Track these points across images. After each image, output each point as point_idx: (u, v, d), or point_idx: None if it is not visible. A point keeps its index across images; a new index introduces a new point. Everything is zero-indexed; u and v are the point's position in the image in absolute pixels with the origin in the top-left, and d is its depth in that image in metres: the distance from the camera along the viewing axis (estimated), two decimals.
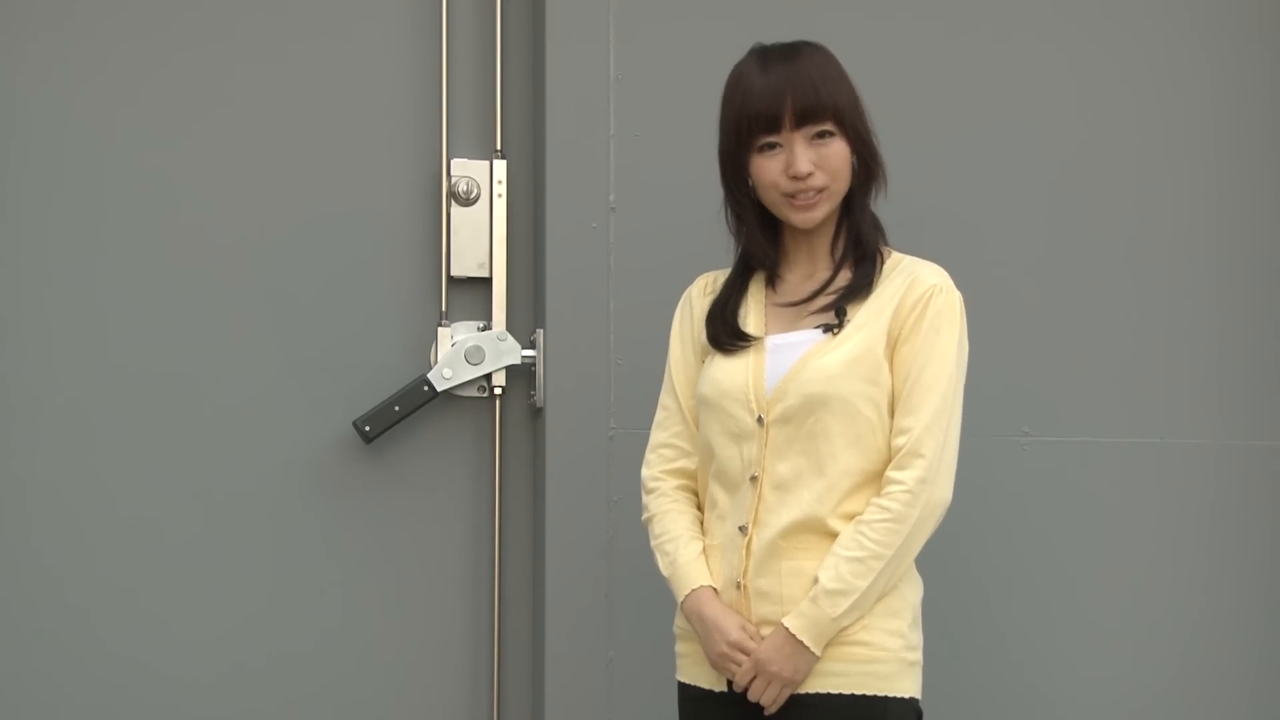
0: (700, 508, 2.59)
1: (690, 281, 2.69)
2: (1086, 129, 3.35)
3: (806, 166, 2.46)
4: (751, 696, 2.41)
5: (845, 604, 2.36)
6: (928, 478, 2.40)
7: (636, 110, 3.09)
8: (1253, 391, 3.42)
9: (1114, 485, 3.34)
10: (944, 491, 2.42)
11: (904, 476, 2.40)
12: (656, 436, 2.57)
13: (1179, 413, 3.38)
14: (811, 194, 2.50)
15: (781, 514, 2.47)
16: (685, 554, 2.50)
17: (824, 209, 2.50)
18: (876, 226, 2.57)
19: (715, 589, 2.49)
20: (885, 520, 2.38)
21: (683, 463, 2.56)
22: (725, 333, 2.55)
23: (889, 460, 2.48)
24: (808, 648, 2.35)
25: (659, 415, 2.58)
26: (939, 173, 3.15)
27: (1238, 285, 3.45)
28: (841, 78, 2.54)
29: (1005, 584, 3.24)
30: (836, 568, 2.39)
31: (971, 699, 3.10)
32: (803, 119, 2.46)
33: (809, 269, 2.57)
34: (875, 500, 2.45)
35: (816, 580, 2.39)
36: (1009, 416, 3.24)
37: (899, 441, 2.44)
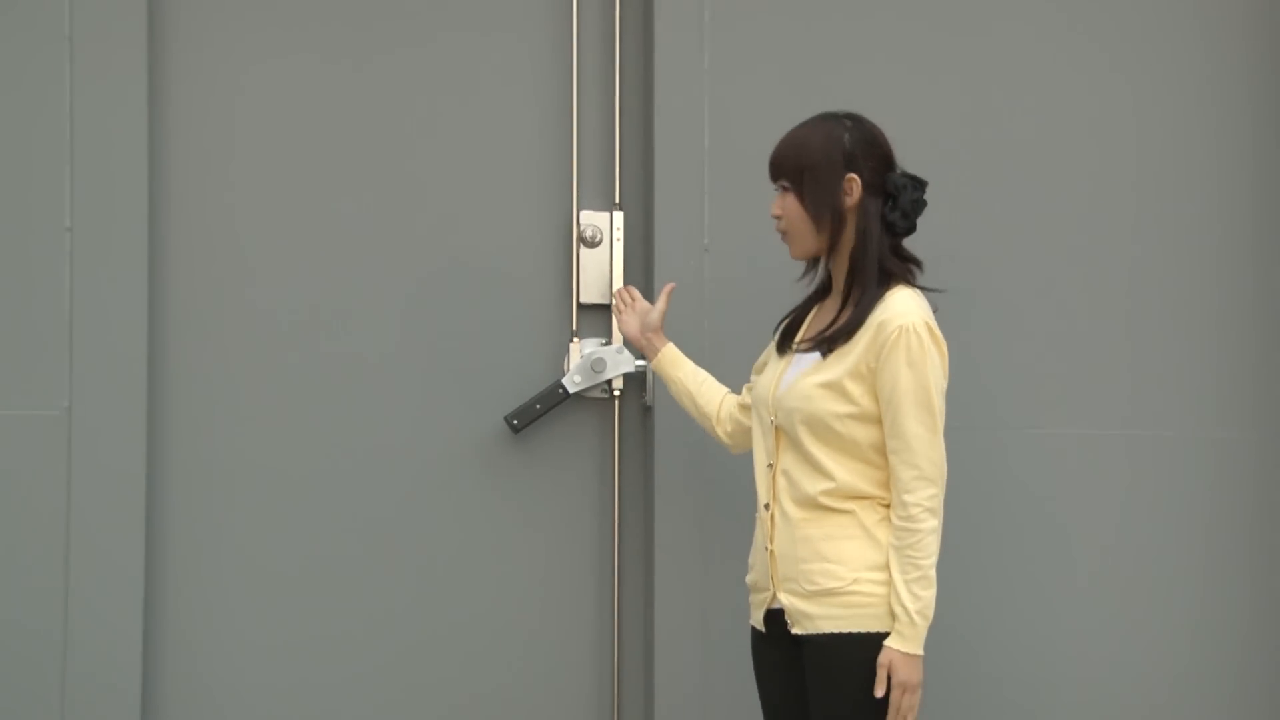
0: (740, 410, 3.11)
1: (768, 309, 3.10)
2: (1070, 163, 3.64)
3: (773, 210, 2.89)
4: (898, 713, 2.77)
5: (930, 610, 2.74)
6: (935, 491, 2.76)
7: (726, 170, 3.47)
8: (1215, 388, 3.70)
9: (1087, 474, 3.64)
10: (943, 489, 2.76)
11: (918, 499, 2.75)
12: (754, 375, 3.08)
13: (1146, 407, 3.68)
14: (785, 236, 2.90)
15: (791, 493, 2.87)
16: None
17: (793, 249, 2.90)
18: (890, 273, 2.83)
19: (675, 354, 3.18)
20: (920, 537, 2.75)
21: (749, 392, 3.06)
22: (780, 339, 2.98)
23: (873, 458, 2.82)
24: (918, 654, 2.74)
25: (760, 360, 3.09)
26: (948, 207, 3.42)
27: (1202, 288, 3.71)
28: (820, 145, 2.84)
29: (980, 564, 3.55)
30: (906, 586, 2.75)
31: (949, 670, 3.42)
32: (772, 174, 2.89)
33: (837, 300, 2.93)
34: (898, 522, 2.77)
35: (902, 604, 2.73)
36: (997, 410, 3.54)
37: (893, 460, 2.77)
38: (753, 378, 3.11)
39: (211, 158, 3.45)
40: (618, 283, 3.47)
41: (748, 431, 3.11)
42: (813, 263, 2.96)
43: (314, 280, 3.47)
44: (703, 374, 3.19)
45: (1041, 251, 3.66)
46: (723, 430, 3.16)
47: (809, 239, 2.90)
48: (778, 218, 2.92)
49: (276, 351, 3.46)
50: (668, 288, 3.22)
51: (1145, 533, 3.65)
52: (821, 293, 3.00)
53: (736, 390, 3.17)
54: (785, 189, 2.90)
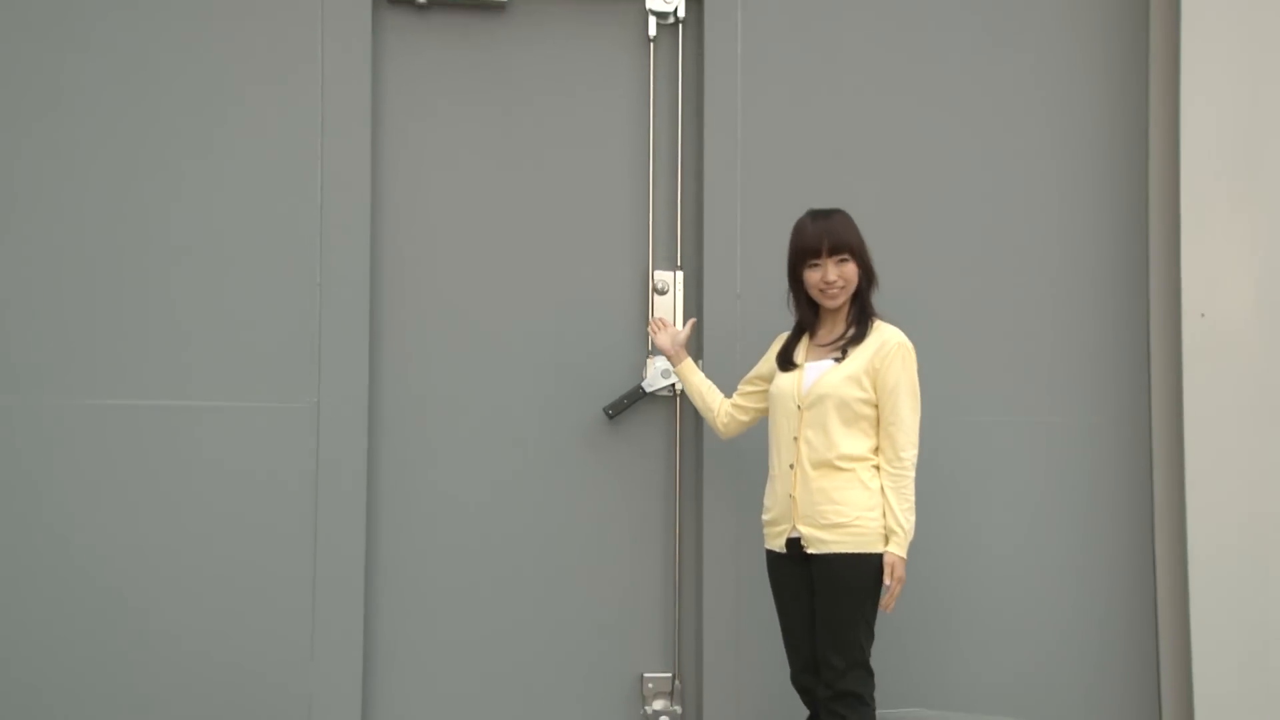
0: (734, 408, 4.11)
1: (775, 335, 4.12)
2: (976, 211, 4.65)
3: (833, 276, 3.89)
4: (893, 598, 3.76)
5: (913, 529, 3.81)
6: (916, 451, 3.85)
7: (751, 245, 4.47)
8: (1087, 384, 4.67)
9: (994, 451, 4.63)
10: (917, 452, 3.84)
11: (909, 455, 3.83)
12: (741, 385, 4.16)
13: (1035, 398, 4.66)
14: (834, 291, 3.90)
15: (810, 457, 3.86)
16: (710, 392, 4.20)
17: (841, 299, 3.92)
18: (872, 310, 3.94)
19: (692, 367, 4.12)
20: (907, 478, 3.83)
21: (739, 395, 4.11)
22: (785, 362, 4.01)
23: (873, 436, 3.79)
24: (905, 557, 3.77)
25: (748, 375, 4.14)
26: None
27: (1064, 303, 4.68)
28: (855, 230, 3.91)
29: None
30: (901, 512, 3.78)
31: None
32: (833, 251, 3.89)
33: (832, 329, 3.97)
34: (894, 472, 3.78)
35: (899, 524, 3.72)
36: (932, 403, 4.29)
37: (893, 430, 3.77)
38: (742, 387, 4.18)
39: (411, 237, 4.56)
40: (679, 320, 4.54)
41: (737, 423, 4.22)
42: (804, 306, 4.01)
43: (477, 313, 4.54)
44: (709, 382, 4.26)
45: (952, 276, 4.64)
46: (720, 422, 4.24)
47: (851, 291, 3.96)
48: (834, 280, 3.91)
49: (450, 366, 4.54)
50: (690, 322, 4.37)
51: (1036, 495, 4.71)
52: (801, 328, 4.04)
53: (729, 393, 4.28)
54: (846, 259, 3.91)
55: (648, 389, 4.54)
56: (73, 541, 4.37)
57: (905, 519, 3.85)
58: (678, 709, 4.66)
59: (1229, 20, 4.69)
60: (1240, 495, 4.61)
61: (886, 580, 3.83)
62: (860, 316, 4.00)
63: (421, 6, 4.60)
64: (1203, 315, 4.67)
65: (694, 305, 4.64)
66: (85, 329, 4.42)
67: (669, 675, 4.68)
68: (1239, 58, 4.69)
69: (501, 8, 4.61)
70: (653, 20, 4.69)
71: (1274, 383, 4.67)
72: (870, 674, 3.95)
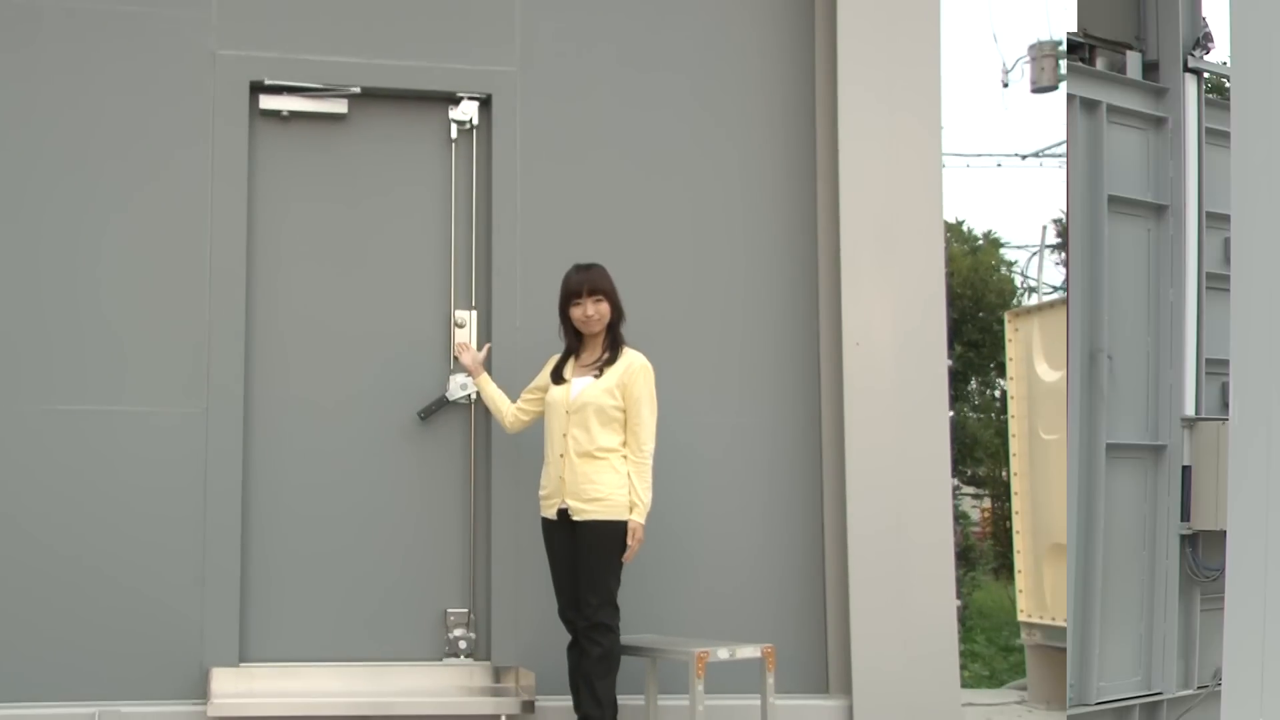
0: (519, 411, 5.42)
1: (544, 357, 5.62)
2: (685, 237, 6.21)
3: (591, 312, 5.28)
4: (632, 553, 5.02)
5: (651, 501, 5.12)
6: (653, 445, 5.20)
7: (528, 290, 5.93)
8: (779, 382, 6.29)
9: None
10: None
11: (649, 447, 5.19)
12: (523, 394, 5.49)
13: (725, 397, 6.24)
14: (593, 323, 5.28)
15: (575, 449, 5.18)
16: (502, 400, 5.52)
17: (598, 329, 5.25)
18: (621, 339, 5.27)
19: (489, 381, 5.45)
20: (647, 465, 5.18)
21: (522, 401, 5.45)
22: (556, 377, 5.36)
23: (622, 433, 5.07)
24: (643, 523, 5.04)
25: (529, 386, 5.49)
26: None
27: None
28: (608, 278, 5.28)
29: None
30: (642, 490, 5.06)
31: None
32: (591, 293, 5.29)
33: (592, 353, 5.33)
34: (637, 460, 5.07)
35: (640, 499, 4.96)
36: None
37: (637, 430, 5.09)
38: (524, 395, 5.54)
39: (275, 284, 6.04)
40: (473, 347, 5.97)
41: (520, 423, 5.59)
42: (571, 335, 5.43)
43: (325, 342, 6.03)
44: (500, 392, 5.64)
45: (678, 311, 6.12)
46: (507, 421, 5.62)
47: (605, 324, 5.30)
48: (591, 315, 5.25)
49: (305, 381, 6.01)
50: (486, 346, 5.84)
51: (736, 473, 6.29)
52: (569, 352, 5.40)
53: (513, 400, 5.74)
54: (601, 300, 5.26)
55: (450, 398, 6.03)
56: (15, 516, 5.75)
57: (645, 495, 5.26)
58: (472, 635, 6.09)
59: (876, 128, 6.42)
60: (884, 474, 6.24)
61: (629, 540, 5.21)
62: (613, 344, 5.40)
63: (285, 118, 6.17)
64: (857, 344, 6.30)
65: (485, 335, 6.13)
66: (22, 350, 5.77)
67: (466, 610, 6.08)
68: (882, 157, 6.41)
69: (343, 117, 6.18)
70: (454, 126, 6.27)
71: (907, 394, 6.31)
72: (617, 609, 5.32)
